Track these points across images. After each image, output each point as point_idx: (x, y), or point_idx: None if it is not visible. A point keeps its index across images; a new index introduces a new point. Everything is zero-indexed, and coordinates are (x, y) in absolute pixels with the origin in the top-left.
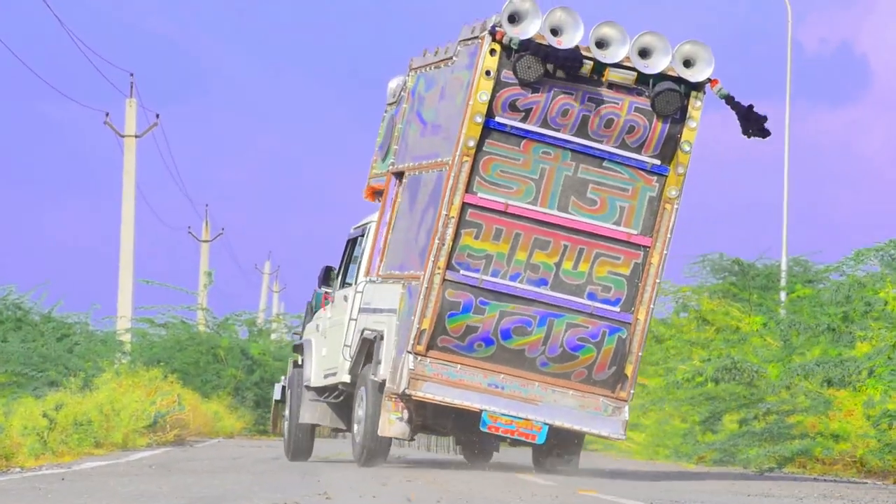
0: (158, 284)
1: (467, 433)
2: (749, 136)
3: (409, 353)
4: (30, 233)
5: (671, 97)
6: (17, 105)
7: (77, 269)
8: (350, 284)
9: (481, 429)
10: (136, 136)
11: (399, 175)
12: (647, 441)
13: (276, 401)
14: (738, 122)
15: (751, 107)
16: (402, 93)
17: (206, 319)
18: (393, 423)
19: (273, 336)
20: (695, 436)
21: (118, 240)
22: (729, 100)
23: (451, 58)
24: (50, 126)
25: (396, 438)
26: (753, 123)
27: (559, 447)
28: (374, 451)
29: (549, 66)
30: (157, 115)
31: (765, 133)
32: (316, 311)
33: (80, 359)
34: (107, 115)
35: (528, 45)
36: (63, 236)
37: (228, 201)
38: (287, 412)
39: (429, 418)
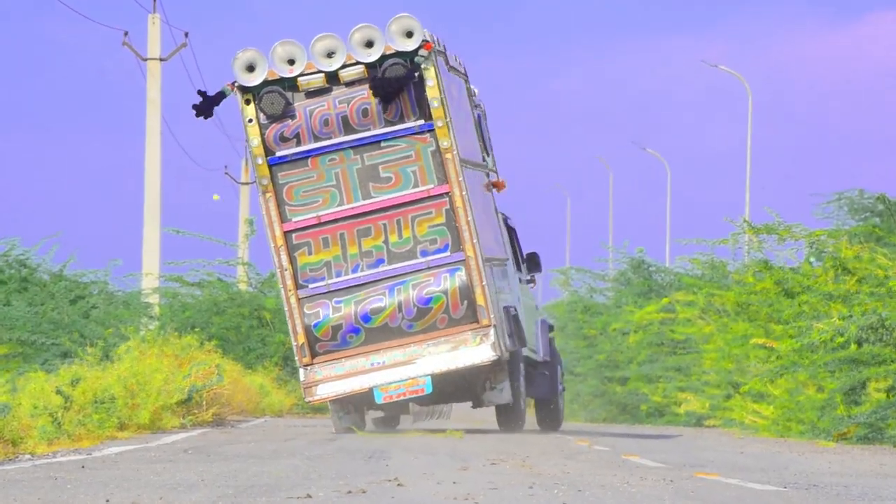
0: (191, 235)
1: (423, 403)
2: (377, 95)
3: (300, 367)
4: (37, 176)
5: (396, 69)
6: (22, 26)
7: (93, 219)
8: None
9: (378, 402)
10: (161, 60)
11: None
12: (777, 415)
13: None
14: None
15: (401, 86)
16: None
17: (249, 276)
18: (341, 418)
19: None
20: (834, 408)
21: (142, 183)
22: (416, 67)
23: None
24: (60, 50)
25: (352, 430)
26: (386, 86)
27: (489, 380)
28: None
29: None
30: (186, 35)
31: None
32: None
33: (98, 325)
34: (125, 34)
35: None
36: (76, 180)
37: None
38: None
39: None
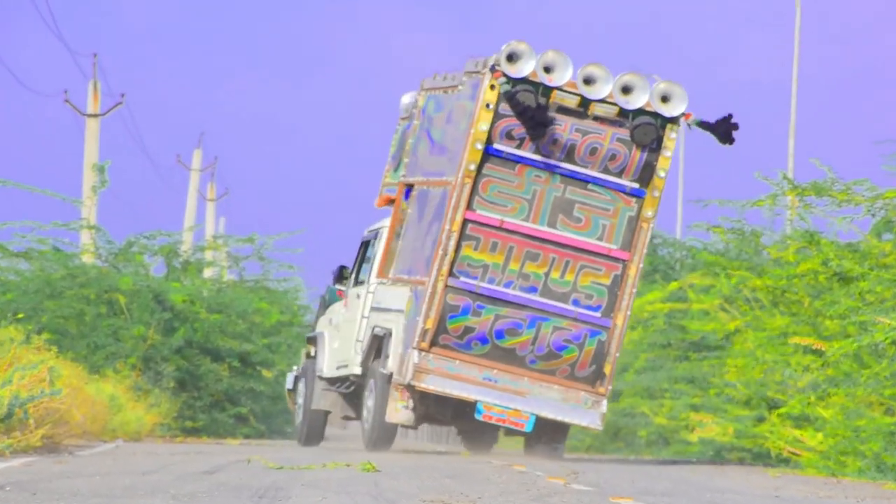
0: (17, 186)
1: (466, 423)
2: (729, 143)
3: (415, 349)
4: None
5: (648, 129)
6: None
7: None
8: (363, 283)
9: (476, 417)
10: None
11: (409, 186)
12: (827, 446)
13: (288, 389)
14: (717, 138)
15: (720, 121)
16: (414, 110)
17: (97, 245)
18: (399, 410)
19: (208, 273)
20: None
21: None
22: (701, 125)
23: (457, 86)
24: None
25: (402, 425)
26: (724, 133)
27: (546, 436)
28: (382, 437)
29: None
30: None
31: (729, 138)
32: (329, 306)
33: None
34: None
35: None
36: None
37: (130, 51)
38: (300, 400)
39: (431, 408)
